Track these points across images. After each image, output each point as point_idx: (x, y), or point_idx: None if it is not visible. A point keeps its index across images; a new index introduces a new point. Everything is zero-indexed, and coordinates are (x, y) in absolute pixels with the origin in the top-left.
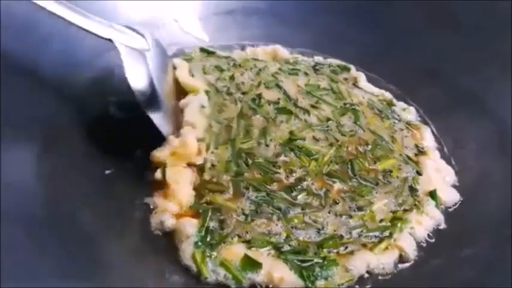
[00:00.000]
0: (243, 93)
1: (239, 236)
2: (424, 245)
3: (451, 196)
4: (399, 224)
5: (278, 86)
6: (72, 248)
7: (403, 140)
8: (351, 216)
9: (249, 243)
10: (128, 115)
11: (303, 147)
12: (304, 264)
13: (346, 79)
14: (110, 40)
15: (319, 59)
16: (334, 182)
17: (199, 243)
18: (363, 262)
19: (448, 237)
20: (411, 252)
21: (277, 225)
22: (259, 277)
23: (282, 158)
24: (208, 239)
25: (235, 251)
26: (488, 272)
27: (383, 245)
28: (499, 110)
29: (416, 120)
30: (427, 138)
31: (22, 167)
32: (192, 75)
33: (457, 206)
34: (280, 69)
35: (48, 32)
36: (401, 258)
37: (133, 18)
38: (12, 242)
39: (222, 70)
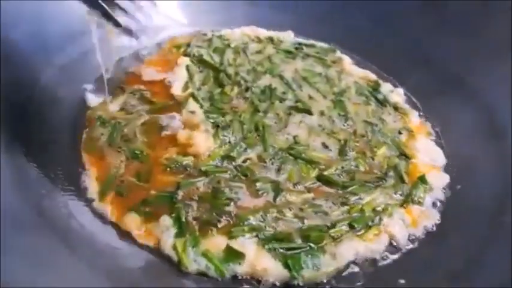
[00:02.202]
0: (245, 81)
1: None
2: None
3: (441, 179)
4: (389, 208)
5: (280, 77)
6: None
7: (393, 124)
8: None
9: (230, 233)
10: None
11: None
12: (289, 253)
13: (334, 62)
14: None
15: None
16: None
17: (180, 234)
18: (351, 249)
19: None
20: (402, 237)
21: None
22: (243, 268)
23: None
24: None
25: (217, 242)
26: (480, 257)
27: (372, 231)
28: (486, 95)
29: (404, 103)
30: (415, 121)
31: None
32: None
33: (447, 190)
34: (277, 51)
35: (15, 14)
36: (392, 245)
37: None
38: None
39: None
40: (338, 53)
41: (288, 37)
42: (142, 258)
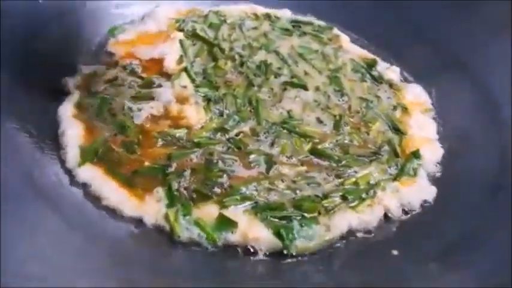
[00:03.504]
0: (241, 56)
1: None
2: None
3: (435, 152)
4: (382, 183)
5: (276, 53)
6: None
7: (387, 100)
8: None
9: (222, 203)
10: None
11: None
12: (282, 222)
13: (330, 39)
14: None
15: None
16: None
17: (171, 204)
18: (344, 221)
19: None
20: (396, 209)
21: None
22: (235, 237)
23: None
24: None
25: (209, 211)
26: (474, 230)
27: (366, 203)
28: (483, 72)
29: (400, 80)
30: (409, 97)
31: None
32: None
33: (441, 164)
34: (273, 28)
35: None
36: (386, 217)
37: None
38: None
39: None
40: (335, 31)
41: (285, 15)
42: (132, 229)
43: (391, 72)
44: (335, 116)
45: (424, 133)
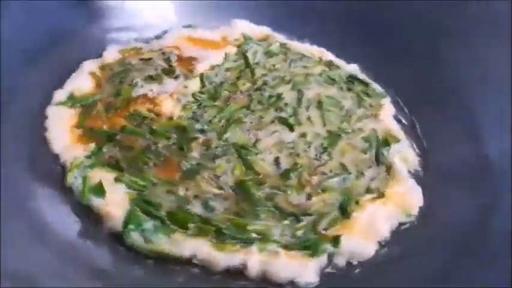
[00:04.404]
0: (265, 84)
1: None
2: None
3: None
4: (268, 244)
5: (299, 92)
6: None
7: (368, 181)
8: None
9: (118, 177)
10: None
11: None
12: (143, 216)
13: (371, 105)
14: None
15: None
16: None
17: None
18: (190, 247)
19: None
20: (253, 269)
21: None
22: (98, 203)
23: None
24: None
25: (104, 176)
26: None
27: (229, 247)
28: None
29: (403, 169)
30: (400, 190)
31: None
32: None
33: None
34: (320, 74)
35: None
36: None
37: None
38: None
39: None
40: (385, 101)
41: (348, 68)
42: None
43: (399, 158)
44: (295, 164)
45: (370, 229)
